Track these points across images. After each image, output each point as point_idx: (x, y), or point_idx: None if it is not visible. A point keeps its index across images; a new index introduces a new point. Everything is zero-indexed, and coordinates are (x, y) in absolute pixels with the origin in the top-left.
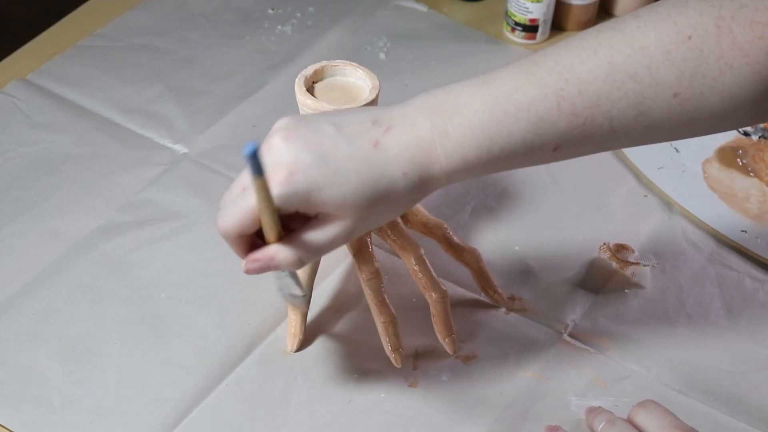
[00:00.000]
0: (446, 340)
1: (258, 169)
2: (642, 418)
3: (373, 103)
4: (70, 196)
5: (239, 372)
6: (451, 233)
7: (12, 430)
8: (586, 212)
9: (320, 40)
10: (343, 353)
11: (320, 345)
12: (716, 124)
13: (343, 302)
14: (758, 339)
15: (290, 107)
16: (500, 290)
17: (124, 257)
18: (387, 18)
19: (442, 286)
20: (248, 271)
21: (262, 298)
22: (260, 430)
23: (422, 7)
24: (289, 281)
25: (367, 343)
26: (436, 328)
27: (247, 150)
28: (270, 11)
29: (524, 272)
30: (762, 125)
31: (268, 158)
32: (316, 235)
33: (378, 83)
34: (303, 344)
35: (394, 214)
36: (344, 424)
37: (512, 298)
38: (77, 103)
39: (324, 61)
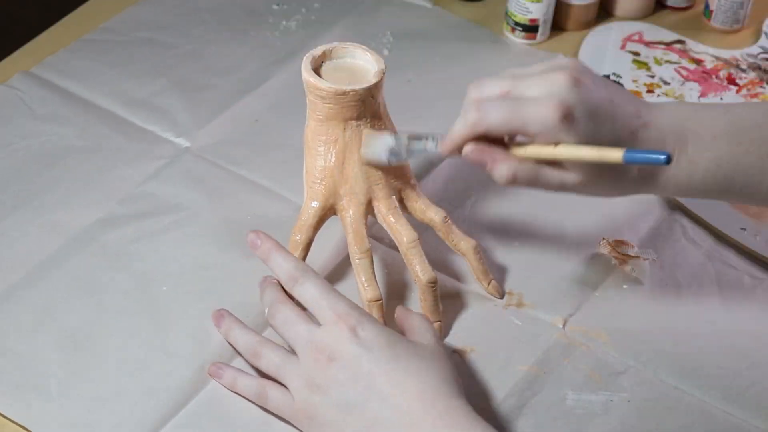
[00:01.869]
0: (435, 324)
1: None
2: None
3: (376, 86)
4: (71, 188)
5: (238, 363)
6: (450, 222)
7: (11, 418)
8: (585, 208)
9: (324, 36)
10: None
11: None
12: None
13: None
14: (755, 336)
15: (294, 102)
16: (495, 282)
17: (125, 249)
18: (391, 14)
19: (432, 272)
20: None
21: None
22: (257, 422)
23: (427, 4)
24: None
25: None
26: (423, 311)
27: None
28: (275, 7)
29: (523, 267)
30: None
31: (551, 88)
32: (552, 173)
33: (383, 67)
34: None
35: (613, 193)
36: None
37: (510, 293)
38: (80, 96)
39: (335, 43)
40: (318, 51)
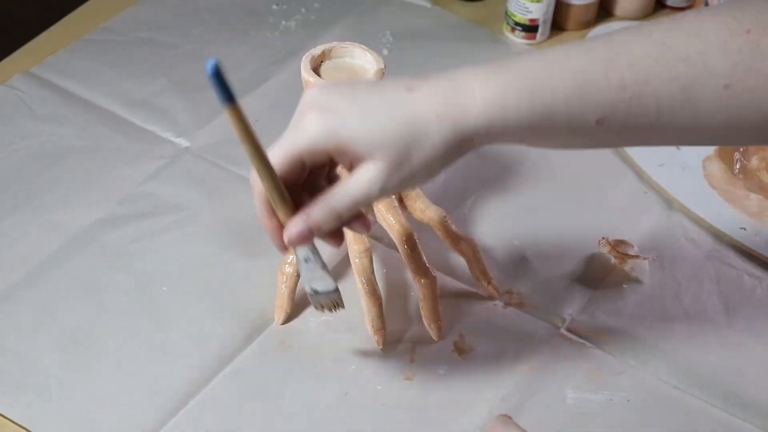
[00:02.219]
0: (432, 325)
1: (227, 94)
2: None
3: None
4: (71, 188)
5: (237, 363)
6: (449, 221)
7: (11, 418)
8: (585, 208)
9: (324, 36)
10: (340, 345)
11: (317, 336)
12: (764, 127)
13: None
14: (755, 335)
15: (294, 102)
16: (494, 282)
17: (125, 249)
18: (391, 14)
19: (432, 272)
20: (290, 240)
21: (261, 290)
22: (257, 421)
23: (426, 4)
24: (318, 272)
25: (365, 334)
26: (422, 313)
27: (208, 67)
28: (274, 7)
29: (523, 266)
30: None
31: (301, 103)
32: (350, 184)
33: (383, 66)
34: (289, 318)
35: (431, 169)
36: (340, 416)
37: (509, 292)
38: (80, 96)
39: (334, 42)
40: (317, 51)
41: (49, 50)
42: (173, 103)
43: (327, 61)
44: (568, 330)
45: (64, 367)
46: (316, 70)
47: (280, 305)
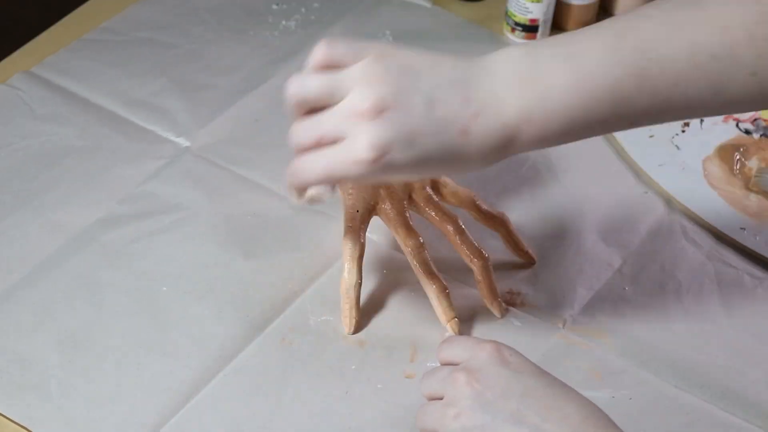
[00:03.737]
0: (493, 304)
1: None
2: (447, 354)
3: None
4: (71, 188)
5: (237, 363)
6: (479, 201)
7: (10, 418)
8: (585, 208)
9: (324, 36)
10: (340, 343)
11: (317, 335)
12: None
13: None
14: (756, 335)
15: None
16: (530, 250)
17: (125, 249)
18: (391, 14)
19: (484, 252)
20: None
21: (261, 290)
22: (257, 420)
23: (426, 3)
24: None
25: (365, 333)
26: (481, 293)
27: None
28: (274, 6)
29: (524, 267)
30: (764, 124)
31: (357, 129)
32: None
33: None
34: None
35: (466, 169)
36: (341, 414)
37: (510, 292)
38: (81, 96)
39: None
40: None
41: (49, 50)
42: (173, 103)
43: None
44: (569, 330)
45: (64, 367)
46: None
47: (347, 315)
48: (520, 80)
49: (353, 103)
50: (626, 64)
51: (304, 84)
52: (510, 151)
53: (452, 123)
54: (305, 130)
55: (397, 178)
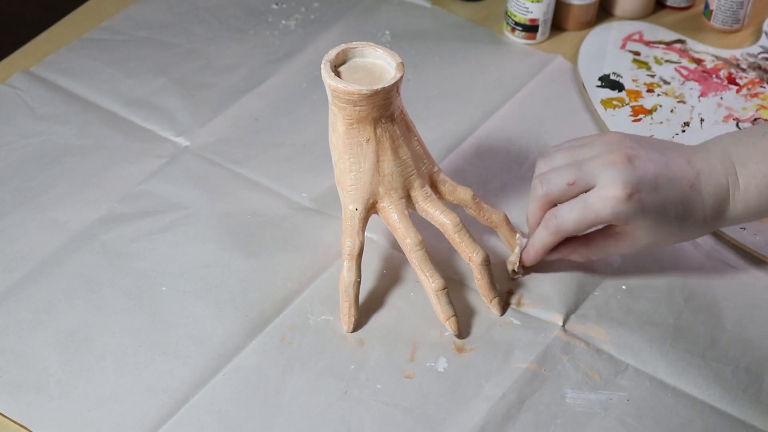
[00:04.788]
0: (492, 302)
1: None
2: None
3: (400, 79)
4: (71, 187)
5: (236, 362)
6: (478, 200)
7: (10, 417)
8: None
9: (323, 35)
10: (339, 343)
11: (317, 335)
12: None
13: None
14: (755, 335)
15: (293, 101)
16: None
17: (124, 248)
18: (390, 13)
19: (483, 249)
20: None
21: (260, 290)
22: (256, 420)
23: (426, 3)
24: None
25: (365, 332)
26: (480, 291)
27: None
28: (274, 6)
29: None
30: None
31: (612, 172)
32: (611, 244)
33: (401, 60)
34: (358, 324)
35: (682, 240)
36: (340, 414)
37: (510, 292)
38: (80, 95)
39: (342, 45)
40: (332, 55)
41: (50, 49)
42: (173, 102)
43: (342, 66)
44: (568, 329)
45: (64, 366)
46: (336, 75)
47: (347, 313)
48: (726, 151)
49: (606, 156)
50: None
51: (550, 182)
52: (724, 215)
53: (683, 177)
54: (558, 176)
55: (641, 235)
